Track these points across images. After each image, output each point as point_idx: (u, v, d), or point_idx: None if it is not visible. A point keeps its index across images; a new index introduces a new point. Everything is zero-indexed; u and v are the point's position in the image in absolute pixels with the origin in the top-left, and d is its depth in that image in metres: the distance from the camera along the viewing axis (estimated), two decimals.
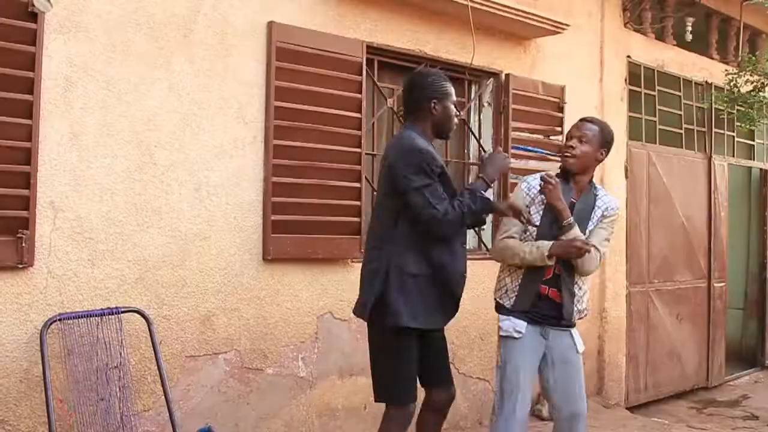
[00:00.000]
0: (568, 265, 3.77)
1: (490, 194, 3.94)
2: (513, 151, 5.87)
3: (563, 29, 6.07)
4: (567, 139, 3.95)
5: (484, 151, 5.90)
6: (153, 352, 3.97)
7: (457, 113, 3.69)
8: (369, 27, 5.12)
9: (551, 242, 3.70)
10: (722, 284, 8.34)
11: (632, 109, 7.24)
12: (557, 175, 3.85)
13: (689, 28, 7.92)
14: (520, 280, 3.80)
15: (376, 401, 3.59)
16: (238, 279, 4.47)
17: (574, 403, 3.84)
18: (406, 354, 3.49)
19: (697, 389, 7.99)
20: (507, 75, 5.98)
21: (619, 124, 7.00)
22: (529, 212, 3.76)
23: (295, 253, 4.64)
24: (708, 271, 8.11)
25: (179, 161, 4.22)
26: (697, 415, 7.22)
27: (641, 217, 7.27)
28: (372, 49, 5.09)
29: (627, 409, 6.98)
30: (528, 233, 3.79)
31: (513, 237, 3.80)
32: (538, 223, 3.77)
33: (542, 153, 6.18)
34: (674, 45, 7.79)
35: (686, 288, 7.85)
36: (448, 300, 3.59)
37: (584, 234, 3.80)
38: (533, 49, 6.25)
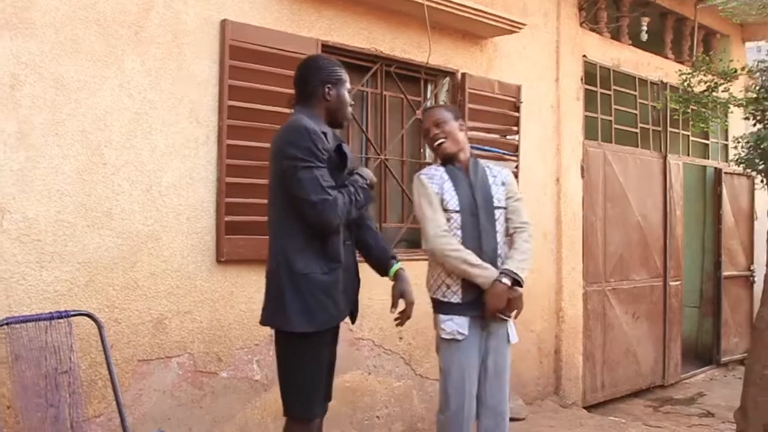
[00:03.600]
0: (492, 242, 3.90)
1: None
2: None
3: (519, 28, 6.14)
4: (425, 135, 4.09)
5: None
6: (104, 356, 3.94)
7: (352, 102, 3.56)
8: (324, 25, 5.13)
9: (496, 276, 3.79)
10: (678, 283, 8.49)
11: (588, 109, 7.34)
12: (442, 164, 4.01)
13: (644, 28, 8.07)
14: None
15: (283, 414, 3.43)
16: (190, 281, 4.46)
17: (499, 394, 3.94)
18: (309, 363, 3.30)
19: (653, 387, 8.14)
20: (463, 74, 6.03)
21: (575, 124, 7.12)
22: (443, 200, 3.86)
23: (249, 255, 4.63)
24: (664, 270, 8.25)
25: (130, 161, 4.20)
26: (654, 413, 7.35)
27: (597, 217, 7.38)
28: (327, 48, 5.10)
29: (584, 408, 7.08)
30: (453, 221, 3.86)
31: (447, 230, 3.85)
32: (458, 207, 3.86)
33: (499, 152, 6.25)
34: (630, 44, 7.93)
35: (642, 287, 7.99)
36: (343, 299, 3.38)
37: (500, 208, 3.98)
38: (489, 48, 6.31)
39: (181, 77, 4.42)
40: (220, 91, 4.57)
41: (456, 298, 3.86)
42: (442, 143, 3.98)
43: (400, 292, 3.62)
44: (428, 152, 6.03)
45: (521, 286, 3.87)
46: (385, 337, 5.43)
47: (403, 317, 3.66)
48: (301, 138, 3.21)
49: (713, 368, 9.26)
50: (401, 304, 3.65)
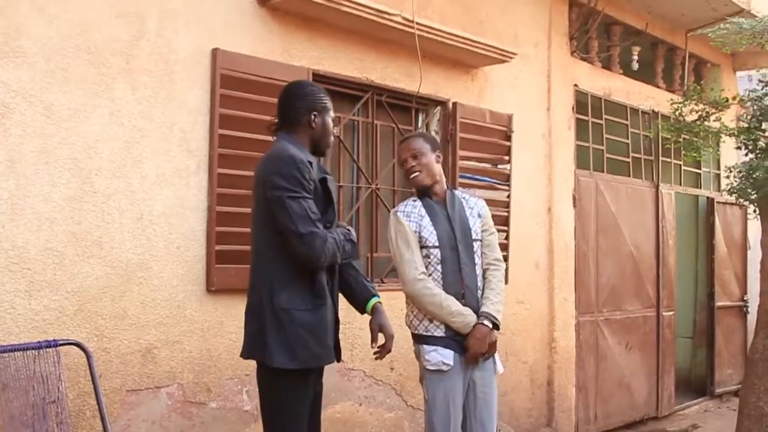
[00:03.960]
0: (473, 276, 3.95)
1: None
2: (461, 180, 5.98)
3: (510, 58, 6.21)
4: (401, 165, 4.10)
5: None
6: (92, 386, 3.93)
7: (335, 132, 3.56)
8: (316, 55, 5.19)
9: (474, 321, 3.84)
10: (671, 313, 8.52)
11: (580, 138, 7.40)
12: (419, 196, 4.03)
13: (635, 57, 8.17)
14: None
15: None
16: (180, 311, 4.46)
17: (488, 424, 3.95)
18: (290, 400, 3.26)
19: (647, 419, 8.12)
20: (454, 103, 6.09)
21: (566, 153, 7.18)
22: (421, 237, 3.89)
23: (240, 284, 4.60)
24: (657, 300, 8.28)
25: (120, 190, 4.22)
26: None
27: (590, 246, 7.42)
28: (318, 77, 5.15)
29: None
30: (432, 257, 3.88)
31: (424, 273, 3.87)
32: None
33: (490, 182, 6.29)
34: (621, 74, 8.01)
35: (635, 317, 8.01)
36: (326, 340, 3.32)
37: (478, 241, 4.01)
38: (481, 77, 6.38)
39: (172, 106, 4.45)
40: (211, 119, 4.60)
41: (439, 332, 3.88)
42: (416, 176, 4.00)
43: (378, 326, 3.57)
44: None
45: (499, 329, 3.94)
46: (376, 368, 5.43)
47: (383, 351, 3.62)
48: (287, 167, 3.19)
49: (707, 400, 9.26)
50: (381, 338, 3.61)
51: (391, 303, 5.12)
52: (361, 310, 3.63)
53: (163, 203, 4.39)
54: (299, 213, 3.15)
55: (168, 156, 4.43)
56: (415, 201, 4.04)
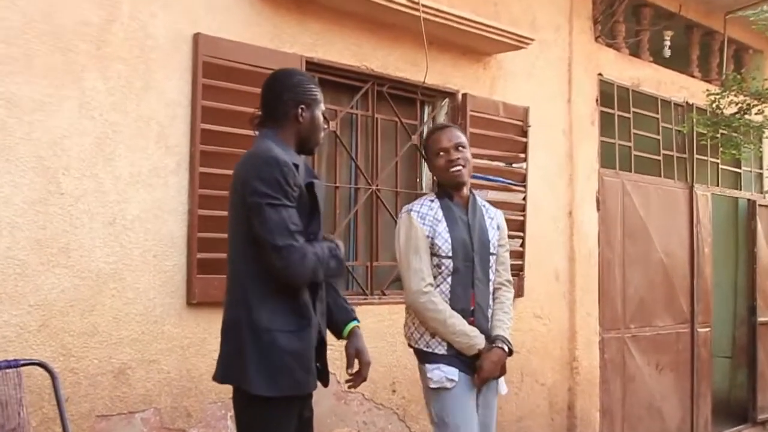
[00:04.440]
0: (485, 293, 3.95)
1: None
2: (472, 180, 5.97)
3: (527, 44, 6.21)
4: (437, 153, 3.96)
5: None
6: (58, 411, 3.93)
7: (326, 126, 3.50)
8: (309, 41, 5.19)
9: (483, 341, 3.84)
10: (707, 329, 8.51)
11: (604, 134, 7.40)
12: (437, 196, 3.99)
13: (667, 43, 8.16)
14: None
15: None
16: (158, 326, 4.46)
17: None
18: (270, 430, 3.20)
19: None
20: (464, 95, 6.10)
21: (590, 150, 7.18)
22: (434, 244, 3.85)
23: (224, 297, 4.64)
24: (691, 315, 8.27)
25: (90, 191, 4.22)
26: None
27: (615, 255, 7.41)
28: (312, 65, 5.15)
29: None
30: (443, 267, 3.87)
31: (431, 284, 3.85)
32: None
33: (504, 182, 6.29)
34: (651, 62, 8.01)
35: (667, 334, 8.00)
36: (311, 365, 3.27)
37: (494, 255, 4.02)
38: (494, 66, 6.38)
39: (149, 97, 4.46)
40: (192, 112, 4.61)
41: (441, 349, 3.87)
42: (460, 172, 3.94)
43: (355, 350, 3.50)
44: (425, 182, 6.08)
45: (511, 354, 3.96)
46: (376, 390, 5.42)
47: (358, 379, 3.53)
48: (270, 170, 3.13)
49: (748, 427, 9.23)
50: (356, 365, 3.53)
51: (394, 318, 5.15)
52: (338, 334, 3.55)
53: (138, 206, 4.39)
54: (278, 223, 3.09)
55: (144, 153, 4.43)
56: (432, 201, 3.98)
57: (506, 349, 3.89)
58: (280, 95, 3.36)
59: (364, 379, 3.55)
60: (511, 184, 6.39)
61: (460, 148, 3.94)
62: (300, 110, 3.33)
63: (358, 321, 3.56)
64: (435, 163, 4.00)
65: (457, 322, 3.81)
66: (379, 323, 5.33)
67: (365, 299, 5.45)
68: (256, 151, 3.25)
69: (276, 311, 3.16)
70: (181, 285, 4.56)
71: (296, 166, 3.23)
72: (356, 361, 3.51)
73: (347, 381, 3.58)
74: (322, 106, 3.43)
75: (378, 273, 5.71)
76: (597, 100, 7.30)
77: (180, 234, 4.56)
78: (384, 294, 5.62)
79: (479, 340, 3.84)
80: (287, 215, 3.11)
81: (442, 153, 3.95)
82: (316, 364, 3.30)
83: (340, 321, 3.53)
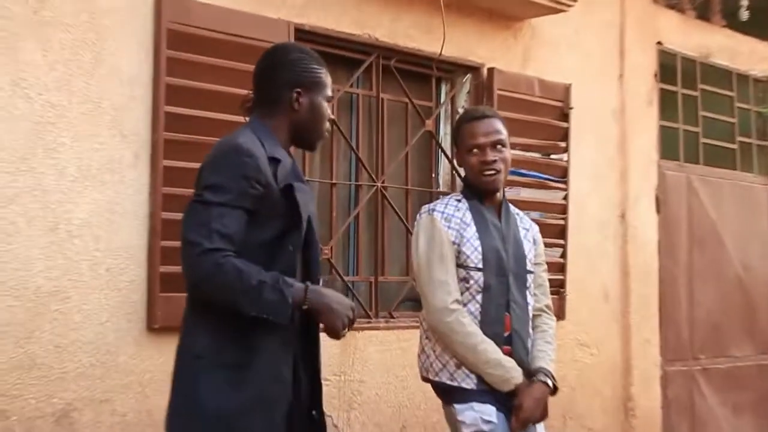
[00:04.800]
0: (524, 318, 3.93)
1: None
2: None
3: (568, 6, 6.20)
4: (472, 150, 3.89)
5: (460, 176, 5.93)
6: None
7: (331, 115, 3.39)
8: (299, 3, 5.20)
9: (521, 375, 3.79)
10: None
11: (665, 117, 7.40)
12: (465, 196, 3.94)
13: (745, 3, 8.11)
14: None
15: None
16: (111, 357, 4.47)
17: None
18: None
19: None
20: (490, 69, 6.12)
21: (646, 137, 7.18)
22: (460, 252, 3.82)
23: None
24: None
25: (27, 189, 4.22)
26: None
27: (680, 268, 7.41)
28: (302, 34, 5.17)
29: None
30: (472, 282, 3.83)
31: (459, 301, 3.80)
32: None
33: (541, 178, 6.29)
34: (723, 26, 7.98)
35: (746, 366, 7.99)
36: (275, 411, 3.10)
37: (532, 274, 3.99)
38: (527, 34, 6.39)
39: (100, 74, 4.46)
40: (154, 92, 4.62)
41: (470, 383, 3.81)
42: (495, 177, 3.88)
43: None
44: (442, 178, 6.09)
45: (556, 392, 3.93)
46: None
47: None
48: (226, 161, 3.04)
49: None
50: None
51: (403, 346, 5.16)
52: None
53: (87, 208, 4.40)
54: (202, 220, 2.97)
55: (95, 142, 4.43)
56: (459, 201, 3.94)
57: (550, 384, 3.86)
58: (273, 75, 3.27)
59: None
60: (548, 179, 6.39)
61: (499, 147, 3.88)
62: (296, 94, 3.21)
63: None
64: (466, 160, 3.96)
65: (490, 348, 3.77)
66: (385, 352, 5.32)
67: (368, 323, 5.42)
68: (224, 138, 3.19)
69: (233, 340, 3.04)
70: (140, 306, 4.57)
71: (276, 161, 3.13)
72: None
73: None
74: (328, 92, 3.31)
75: (384, 290, 5.71)
76: (656, 75, 7.31)
77: (139, 243, 4.57)
78: (392, 317, 5.61)
79: (517, 374, 3.80)
80: (218, 213, 2.97)
81: (476, 150, 3.89)
82: (311, 413, 3.24)
83: None
